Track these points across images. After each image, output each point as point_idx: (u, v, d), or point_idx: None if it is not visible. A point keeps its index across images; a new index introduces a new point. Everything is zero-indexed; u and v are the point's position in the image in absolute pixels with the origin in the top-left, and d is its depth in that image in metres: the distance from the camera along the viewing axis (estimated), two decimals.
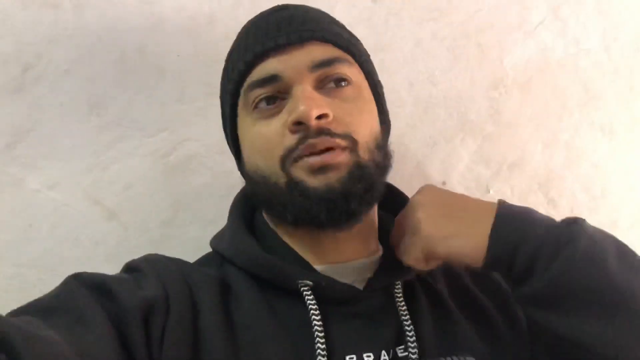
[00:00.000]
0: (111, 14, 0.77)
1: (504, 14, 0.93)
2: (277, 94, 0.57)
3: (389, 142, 0.63)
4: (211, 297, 0.55)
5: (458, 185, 0.92)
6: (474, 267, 0.53)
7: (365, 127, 0.58)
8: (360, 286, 0.59)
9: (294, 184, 0.55)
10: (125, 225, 0.78)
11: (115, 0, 0.78)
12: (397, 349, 0.55)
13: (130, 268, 0.57)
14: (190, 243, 0.80)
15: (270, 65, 0.57)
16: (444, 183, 0.92)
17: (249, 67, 0.58)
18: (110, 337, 0.46)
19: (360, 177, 0.55)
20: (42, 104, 0.75)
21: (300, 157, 0.55)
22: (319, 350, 0.52)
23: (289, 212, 0.56)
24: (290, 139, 0.55)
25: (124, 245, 0.78)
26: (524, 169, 0.95)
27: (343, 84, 0.58)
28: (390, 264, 0.60)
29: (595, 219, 0.95)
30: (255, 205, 0.65)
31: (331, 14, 0.65)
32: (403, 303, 0.57)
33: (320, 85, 0.57)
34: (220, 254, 0.62)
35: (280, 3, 0.64)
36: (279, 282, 0.57)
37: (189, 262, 0.61)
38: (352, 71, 0.59)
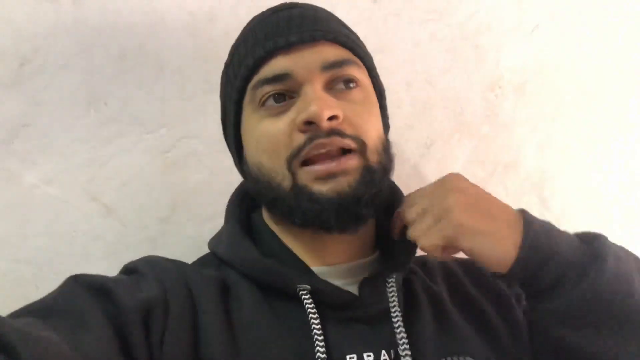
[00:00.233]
0: (111, 9, 0.77)
1: (501, 16, 0.94)
2: (286, 92, 0.57)
3: (390, 144, 0.63)
4: (211, 297, 0.54)
5: None
6: (492, 270, 0.53)
7: (373, 130, 0.58)
8: (356, 286, 0.58)
9: (299, 189, 0.55)
10: (123, 221, 0.77)
11: None
12: (397, 349, 0.55)
13: (129, 269, 0.57)
14: (188, 240, 0.79)
15: (280, 63, 0.56)
16: None
17: (258, 64, 0.57)
18: (110, 338, 0.46)
19: (370, 181, 0.55)
20: (40, 98, 0.74)
21: (308, 161, 0.54)
22: (318, 351, 0.52)
23: (297, 215, 0.55)
24: (299, 138, 0.55)
25: (121, 242, 0.77)
26: (518, 169, 0.96)
27: (352, 85, 0.58)
28: (386, 265, 0.60)
29: (588, 220, 0.98)
30: (256, 203, 0.65)
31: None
32: (396, 304, 0.56)
33: (330, 86, 0.57)
34: (218, 257, 0.61)
35: (283, 1, 0.63)
36: (277, 285, 0.56)
37: (187, 263, 0.61)
38: (360, 73, 0.59)
